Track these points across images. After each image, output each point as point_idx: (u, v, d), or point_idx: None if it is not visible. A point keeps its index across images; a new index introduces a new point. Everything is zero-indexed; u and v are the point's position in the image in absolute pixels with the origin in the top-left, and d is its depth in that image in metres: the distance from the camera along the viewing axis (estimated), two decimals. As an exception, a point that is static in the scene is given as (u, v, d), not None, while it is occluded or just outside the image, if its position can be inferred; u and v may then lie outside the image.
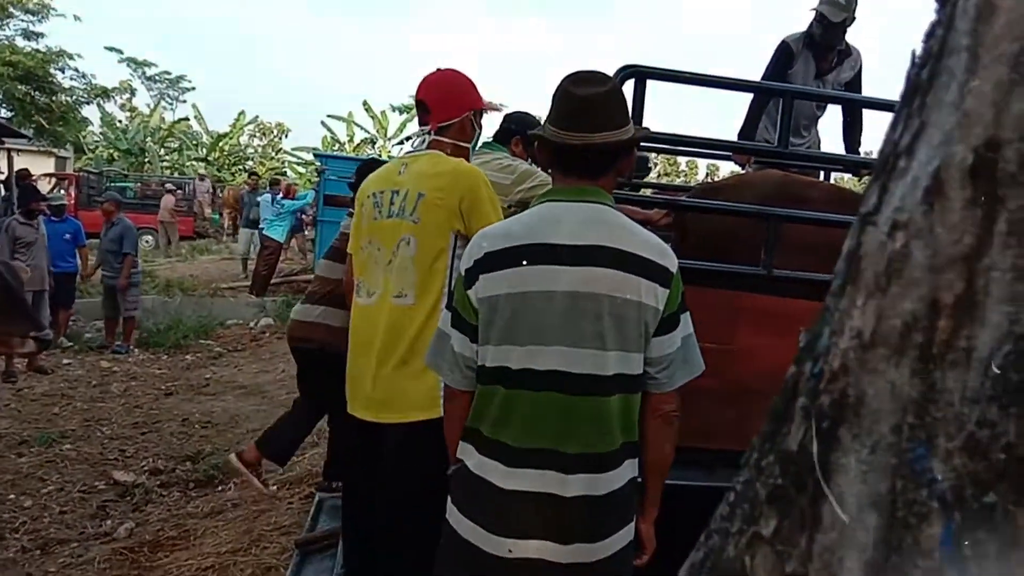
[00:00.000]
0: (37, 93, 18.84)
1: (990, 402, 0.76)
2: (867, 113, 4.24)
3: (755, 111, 4.11)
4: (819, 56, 4.13)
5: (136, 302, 9.18)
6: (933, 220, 0.81)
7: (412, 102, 2.55)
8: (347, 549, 2.82)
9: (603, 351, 1.64)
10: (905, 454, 0.81)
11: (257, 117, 33.26)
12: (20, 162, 14.25)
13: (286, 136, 35.88)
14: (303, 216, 15.32)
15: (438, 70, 2.51)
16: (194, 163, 29.41)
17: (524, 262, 1.68)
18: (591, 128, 1.69)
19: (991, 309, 0.77)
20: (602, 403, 1.66)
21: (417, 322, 2.25)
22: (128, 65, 33.77)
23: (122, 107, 32.55)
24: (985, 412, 0.76)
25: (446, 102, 2.45)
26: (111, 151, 28.76)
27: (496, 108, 2.70)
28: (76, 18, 21.97)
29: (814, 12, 4.03)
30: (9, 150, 14.21)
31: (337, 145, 27.49)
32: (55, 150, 23.64)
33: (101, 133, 29.38)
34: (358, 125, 27.88)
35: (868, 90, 4.24)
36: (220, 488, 5.04)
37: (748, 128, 4.11)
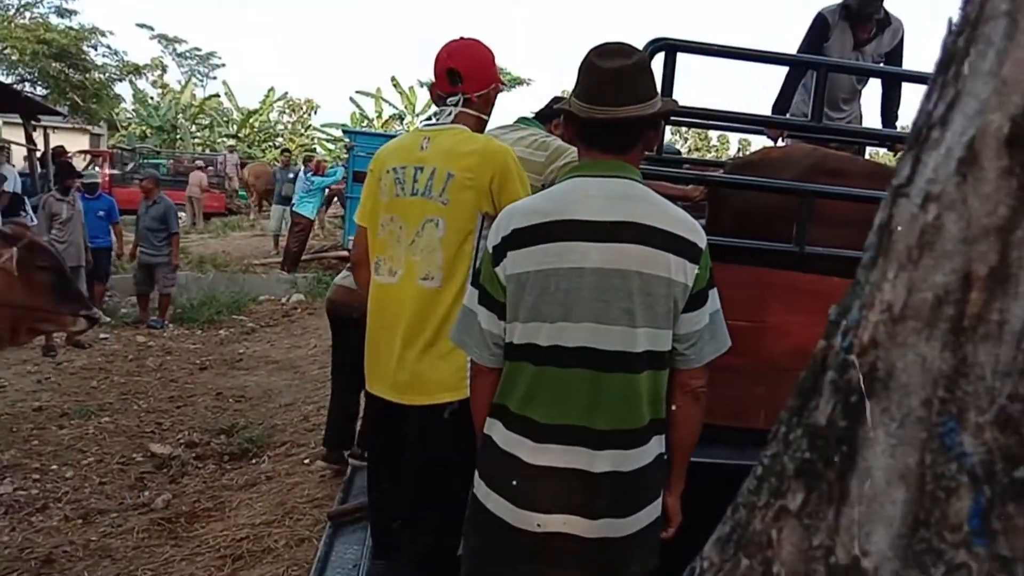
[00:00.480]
0: (71, 71, 18.94)
1: (1022, 376, 0.75)
2: (908, 85, 4.15)
3: (789, 85, 4.03)
4: (857, 27, 4.02)
5: (173, 279, 9.34)
6: (967, 191, 0.80)
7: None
8: (374, 523, 2.86)
9: (632, 328, 1.63)
10: (935, 428, 0.80)
11: (287, 93, 33.42)
12: (56, 139, 14.46)
13: (315, 112, 35.88)
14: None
15: (462, 38, 2.40)
16: (225, 139, 29.58)
17: (553, 239, 1.67)
18: (618, 102, 1.66)
19: (1025, 282, 0.76)
20: (631, 380, 1.65)
21: (444, 305, 2.22)
22: (159, 42, 33.91)
23: (153, 84, 32.70)
24: (1017, 386, 0.75)
25: (480, 71, 2.37)
26: (143, 128, 29.04)
27: (504, 86, 2.62)
28: (108, -6, 22.07)
29: None
30: (45, 127, 14.41)
31: (366, 121, 27.50)
32: (89, 127, 23.84)
33: (134, 110, 29.64)
34: (386, 101, 27.87)
35: (911, 62, 4.13)
36: (254, 461, 5.12)
37: (782, 102, 4.03)
